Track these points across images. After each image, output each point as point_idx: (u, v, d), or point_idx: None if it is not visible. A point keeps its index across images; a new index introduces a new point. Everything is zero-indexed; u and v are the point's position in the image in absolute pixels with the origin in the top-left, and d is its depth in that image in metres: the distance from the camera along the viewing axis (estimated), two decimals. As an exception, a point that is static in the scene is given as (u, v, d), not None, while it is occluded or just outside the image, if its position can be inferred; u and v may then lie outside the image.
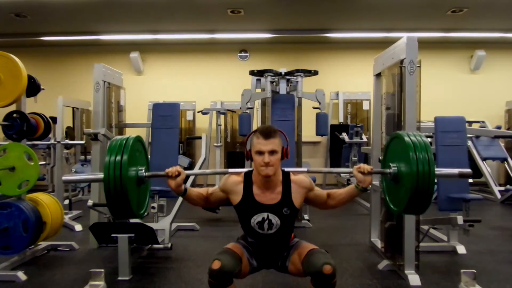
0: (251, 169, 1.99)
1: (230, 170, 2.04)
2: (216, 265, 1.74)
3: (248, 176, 1.96)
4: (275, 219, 1.91)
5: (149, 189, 2.04)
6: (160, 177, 1.88)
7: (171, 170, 1.83)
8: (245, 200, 1.93)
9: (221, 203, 2.07)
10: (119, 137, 1.83)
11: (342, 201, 2.00)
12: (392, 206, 1.92)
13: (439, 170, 1.75)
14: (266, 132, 1.85)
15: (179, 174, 1.83)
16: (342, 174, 6.39)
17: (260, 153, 1.84)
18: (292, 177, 1.96)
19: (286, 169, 1.99)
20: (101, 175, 1.71)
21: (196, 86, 7.59)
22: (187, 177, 1.94)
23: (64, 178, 1.89)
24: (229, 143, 7.43)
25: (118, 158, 1.68)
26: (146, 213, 2.00)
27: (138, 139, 1.87)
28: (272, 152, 1.83)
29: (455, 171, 1.82)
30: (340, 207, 2.05)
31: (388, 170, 1.84)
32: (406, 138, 1.75)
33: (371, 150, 3.73)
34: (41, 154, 6.13)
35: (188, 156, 5.99)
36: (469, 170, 1.84)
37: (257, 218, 1.91)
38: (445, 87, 7.24)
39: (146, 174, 1.86)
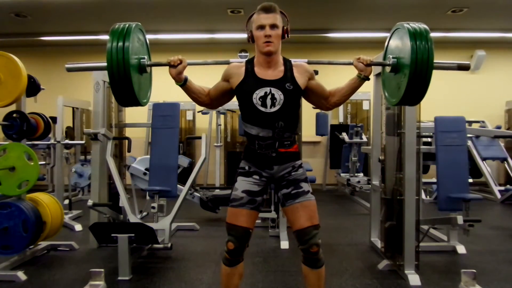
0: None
1: (231, 59, 2.04)
2: (231, 246, 1.88)
3: (249, 61, 1.96)
4: (278, 93, 1.86)
5: (151, 80, 2.04)
6: (162, 65, 1.89)
7: (173, 58, 1.84)
8: (247, 78, 1.91)
9: (224, 95, 2.00)
10: (119, 24, 1.81)
11: (345, 95, 1.98)
12: (390, 98, 1.97)
13: (438, 61, 1.77)
14: (267, 7, 1.84)
15: (180, 62, 1.85)
16: (342, 174, 6.42)
17: (262, 27, 1.83)
18: (294, 62, 1.96)
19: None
20: (104, 63, 1.74)
21: (196, 86, 7.58)
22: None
23: (67, 66, 1.91)
24: (229, 143, 7.43)
25: (120, 43, 1.71)
26: (147, 101, 1.97)
27: (139, 27, 1.86)
28: (273, 26, 1.82)
29: (454, 63, 1.86)
30: (343, 102, 2.02)
31: (387, 62, 1.89)
32: (406, 26, 1.78)
33: (371, 150, 3.73)
34: (41, 154, 6.13)
35: (188, 156, 5.98)
36: (467, 63, 1.88)
37: (259, 93, 1.87)
38: (445, 87, 7.23)
39: (148, 62, 1.89)
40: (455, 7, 5.83)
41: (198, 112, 6.79)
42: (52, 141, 4.91)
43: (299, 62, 1.97)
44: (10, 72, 2.98)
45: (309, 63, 2.00)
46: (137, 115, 5.74)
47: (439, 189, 3.43)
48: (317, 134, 6.73)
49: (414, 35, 1.72)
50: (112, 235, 2.85)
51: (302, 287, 2.61)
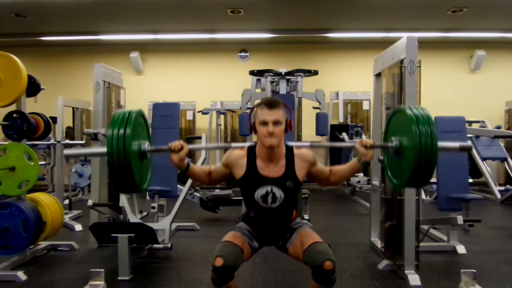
0: (254, 143, 1.99)
1: (233, 144, 2.04)
2: (219, 262, 1.74)
3: (251, 150, 1.95)
4: (279, 192, 1.90)
5: (151, 164, 2.02)
6: (163, 152, 1.88)
7: (174, 144, 1.85)
8: (248, 173, 1.92)
9: (224, 179, 2.05)
10: (121, 110, 1.79)
11: (344, 176, 2.04)
12: (394, 180, 1.93)
13: (441, 144, 1.74)
14: (270, 103, 1.86)
15: (182, 148, 1.85)
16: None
17: (265, 123, 1.84)
18: (296, 151, 1.96)
19: (289, 143, 2.00)
20: (104, 149, 1.70)
21: (196, 86, 7.59)
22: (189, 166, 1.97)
23: (65, 152, 1.87)
24: (229, 143, 7.44)
25: (122, 131, 1.66)
26: (147, 187, 1.96)
27: (140, 113, 1.84)
28: (276, 123, 1.84)
29: (456, 144, 1.85)
30: (342, 181, 2.08)
31: (390, 144, 1.86)
32: (409, 111, 1.75)
33: (371, 150, 3.72)
34: (41, 154, 6.13)
35: (188, 156, 5.96)
36: (469, 144, 1.89)
37: (261, 191, 1.90)
38: (445, 87, 7.23)
39: (149, 148, 1.85)
40: (455, 7, 5.83)
41: (198, 112, 6.79)
42: (52, 141, 4.91)
43: (301, 149, 1.99)
44: (10, 72, 2.98)
45: (311, 146, 2.04)
46: (137, 115, 5.74)
47: (439, 189, 3.43)
48: (317, 134, 6.70)
49: (416, 120, 1.69)
50: (112, 235, 2.85)
51: (302, 287, 2.62)
